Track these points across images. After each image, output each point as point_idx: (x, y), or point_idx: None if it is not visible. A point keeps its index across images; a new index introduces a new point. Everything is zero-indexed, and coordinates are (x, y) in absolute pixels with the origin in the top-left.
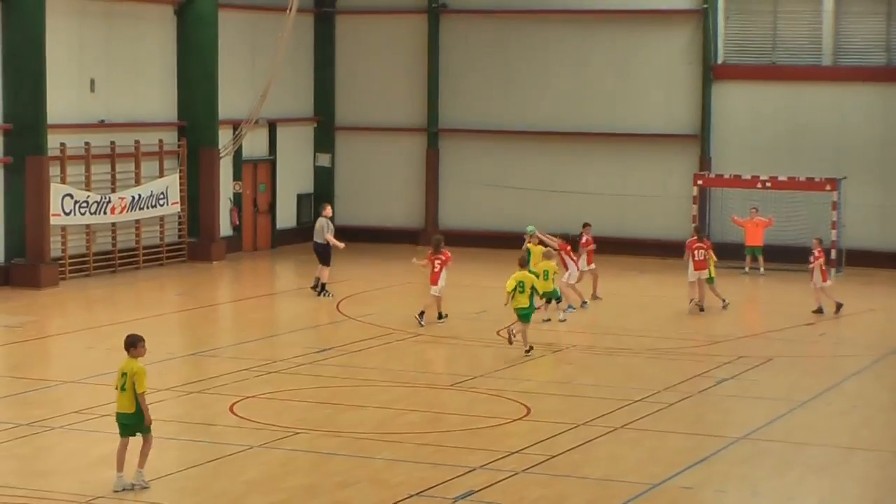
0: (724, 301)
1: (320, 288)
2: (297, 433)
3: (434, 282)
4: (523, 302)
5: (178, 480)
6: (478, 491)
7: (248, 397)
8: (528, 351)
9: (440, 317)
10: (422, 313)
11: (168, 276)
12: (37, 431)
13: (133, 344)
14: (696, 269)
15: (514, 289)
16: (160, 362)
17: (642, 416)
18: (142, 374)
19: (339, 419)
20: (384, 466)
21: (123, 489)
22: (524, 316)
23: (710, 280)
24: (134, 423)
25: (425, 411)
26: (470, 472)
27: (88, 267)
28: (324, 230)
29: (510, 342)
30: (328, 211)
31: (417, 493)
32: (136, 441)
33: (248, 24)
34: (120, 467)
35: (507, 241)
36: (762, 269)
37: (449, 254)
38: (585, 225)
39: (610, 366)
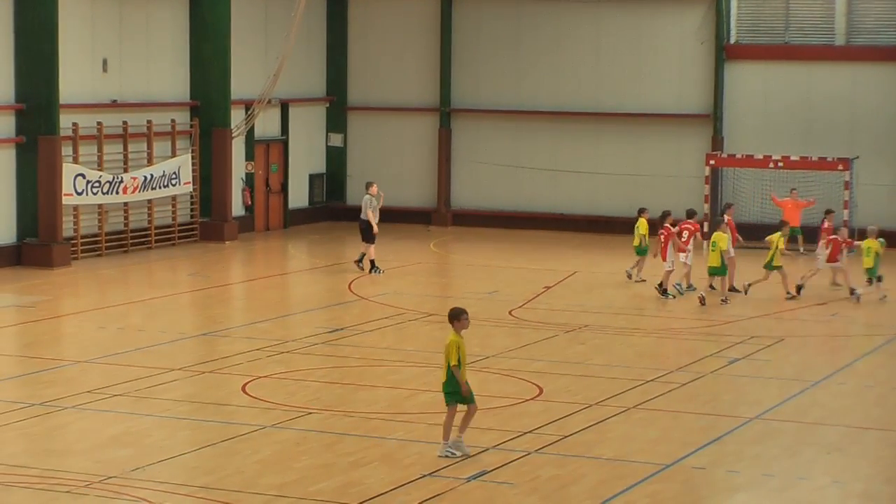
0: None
1: (370, 265)
2: (310, 413)
3: (663, 257)
4: (713, 260)
5: (191, 460)
6: (490, 471)
7: (260, 377)
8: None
9: (667, 291)
10: (663, 288)
11: (180, 256)
12: (50, 411)
13: (456, 317)
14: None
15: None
16: (172, 342)
17: (655, 396)
18: (452, 347)
19: (352, 399)
20: (397, 446)
21: (446, 455)
22: (715, 271)
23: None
24: (449, 391)
25: (438, 391)
26: (482, 451)
27: (100, 247)
28: (365, 206)
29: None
30: (374, 189)
31: (430, 473)
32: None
33: (260, 3)
34: (445, 435)
35: (519, 222)
36: (801, 249)
37: (671, 229)
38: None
39: (622, 346)
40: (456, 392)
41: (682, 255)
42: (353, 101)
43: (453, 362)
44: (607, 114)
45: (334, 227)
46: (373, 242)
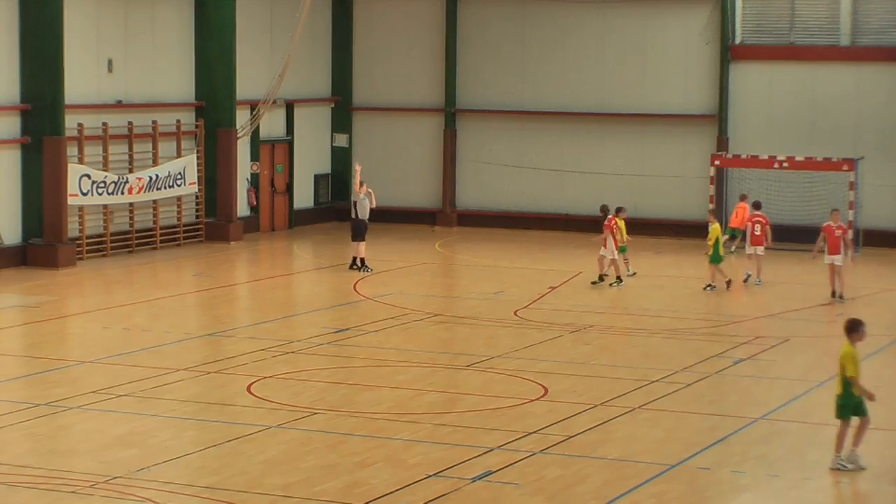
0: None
1: (361, 263)
2: (315, 413)
3: (606, 245)
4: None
5: (197, 460)
6: (495, 471)
7: (265, 377)
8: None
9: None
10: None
11: (185, 257)
12: (55, 411)
13: (855, 328)
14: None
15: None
16: (177, 342)
17: (660, 396)
18: (848, 358)
19: (357, 399)
20: (402, 447)
21: (839, 468)
22: (714, 259)
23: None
24: (843, 404)
25: (443, 392)
26: (487, 452)
27: (106, 247)
28: (366, 206)
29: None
30: (365, 187)
31: (435, 474)
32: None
33: (265, 3)
34: (837, 448)
35: (524, 222)
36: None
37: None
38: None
39: (627, 346)
40: (849, 405)
41: (758, 248)
42: (358, 102)
43: (851, 374)
44: (612, 114)
45: (339, 228)
46: (359, 240)
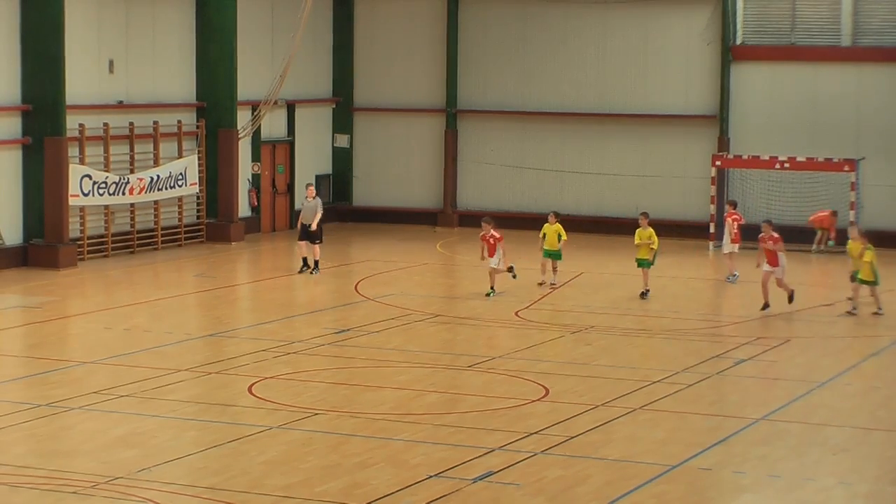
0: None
1: (315, 265)
2: (316, 414)
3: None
4: (643, 254)
5: (198, 461)
6: (496, 472)
7: (266, 378)
8: (644, 293)
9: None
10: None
11: (186, 257)
12: (56, 412)
13: None
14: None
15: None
16: (179, 343)
17: (661, 397)
18: None
19: (358, 400)
20: (403, 447)
21: None
22: (642, 263)
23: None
24: None
25: (444, 392)
26: (489, 452)
27: (107, 247)
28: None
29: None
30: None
31: (436, 474)
32: None
33: (266, 4)
34: None
35: (526, 222)
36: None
37: (495, 234)
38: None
39: (628, 346)
40: None
41: (737, 245)
42: (360, 102)
43: None
44: (613, 115)
45: (340, 228)
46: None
